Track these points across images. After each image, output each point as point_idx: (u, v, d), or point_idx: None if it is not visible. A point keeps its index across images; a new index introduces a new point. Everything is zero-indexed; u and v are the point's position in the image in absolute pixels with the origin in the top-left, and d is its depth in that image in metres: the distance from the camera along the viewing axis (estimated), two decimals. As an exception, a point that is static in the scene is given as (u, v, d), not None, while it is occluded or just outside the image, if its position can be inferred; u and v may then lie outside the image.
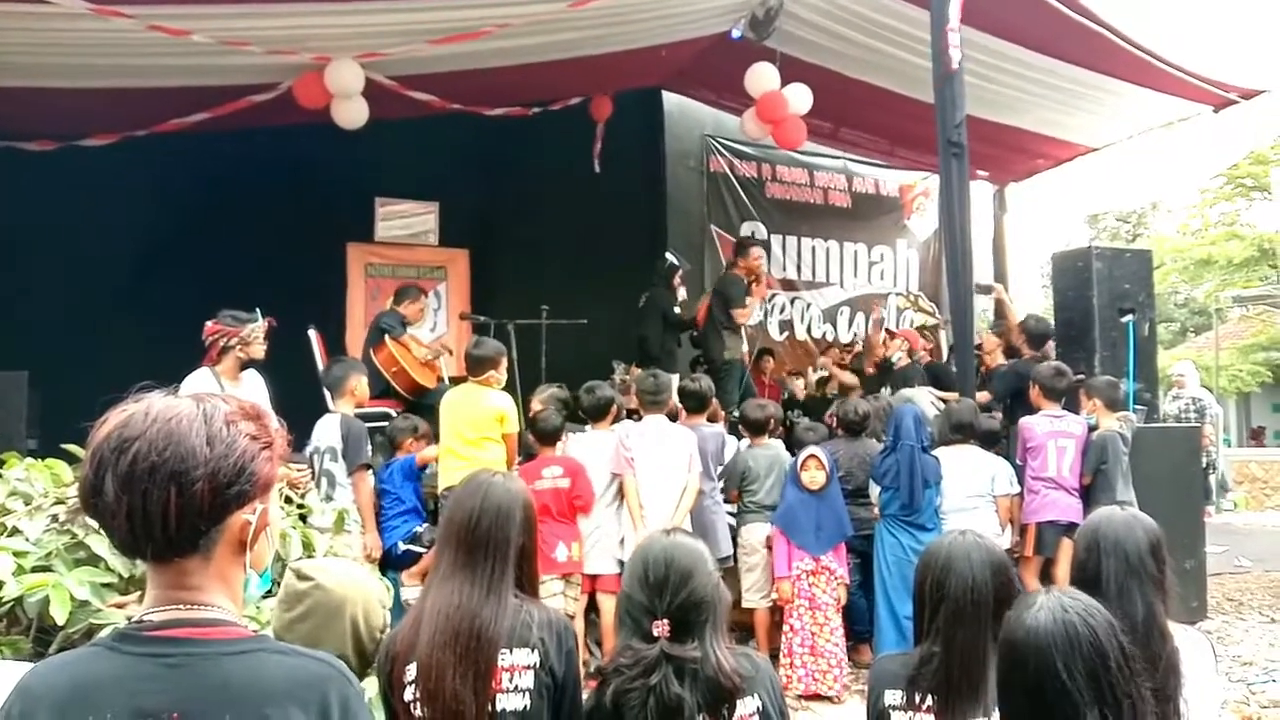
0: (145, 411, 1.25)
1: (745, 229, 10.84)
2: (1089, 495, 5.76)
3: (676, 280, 8.35)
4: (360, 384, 5.43)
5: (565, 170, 9.24)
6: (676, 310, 8.31)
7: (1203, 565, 6.68)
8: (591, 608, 5.44)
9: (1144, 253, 7.79)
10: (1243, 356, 22.33)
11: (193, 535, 1.24)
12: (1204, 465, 9.85)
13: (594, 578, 5.31)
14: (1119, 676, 1.62)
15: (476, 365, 5.43)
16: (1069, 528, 5.68)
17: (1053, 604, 1.69)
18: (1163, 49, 7.61)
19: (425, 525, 5.40)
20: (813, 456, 5.47)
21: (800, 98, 7.96)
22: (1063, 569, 5.65)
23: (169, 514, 1.21)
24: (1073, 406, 6.08)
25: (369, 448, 5.22)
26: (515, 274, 9.04)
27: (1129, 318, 6.68)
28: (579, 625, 5.16)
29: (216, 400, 1.31)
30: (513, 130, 8.64)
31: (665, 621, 2.09)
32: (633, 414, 6.10)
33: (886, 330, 9.51)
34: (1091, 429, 5.89)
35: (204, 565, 1.27)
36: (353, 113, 7.01)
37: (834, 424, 6.31)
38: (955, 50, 5.97)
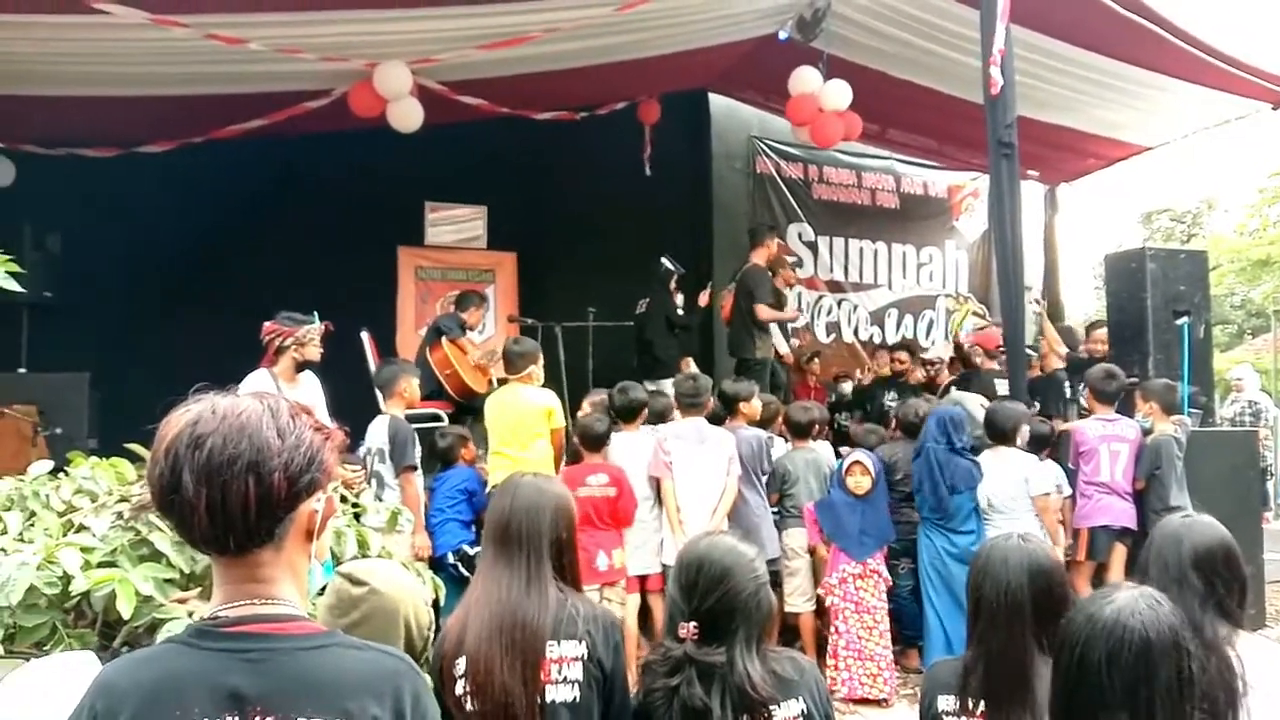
0: (213, 409, 1.30)
1: (792, 231, 10.82)
2: (1143, 500, 5.68)
3: (673, 285, 8.26)
4: (410, 385, 5.49)
5: (612, 173, 9.28)
6: (680, 313, 8.18)
7: (1261, 571, 6.54)
8: (647, 610, 5.45)
9: (1199, 253, 7.64)
10: (1303, 360, 21.78)
11: (270, 525, 1.29)
12: (1262, 469, 9.66)
13: (642, 579, 5.31)
14: (1164, 696, 1.59)
15: (515, 361, 5.51)
16: (1122, 532, 5.62)
17: (1127, 599, 1.66)
18: (1219, 43, 7.47)
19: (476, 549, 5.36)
20: (858, 462, 5.45)
21: (838, 94, 7.86)
22: (1115, 574, 5.58)
23: (249, 504, 1.25)
24: (1126, 410, 5.99)
25: (417, 449, 5.26)
26: (562, 277, 9.11)
27: (1184, 320, 6.55)
28: (632, 629, 5.17)
29: (276, 398, 1.36)
30: (560, 134, 8.70)
31: (692, 624, 2.10)
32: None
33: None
34: (1146, 432, 5.80)
35: (276, 556, 1.31)
36: (409, 115, 7.09)
37: (893, 426, 6.27)
38: (996, 70, 5.90)
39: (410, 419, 5.46)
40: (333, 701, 1.24)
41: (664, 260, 8.17)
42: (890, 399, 8.76)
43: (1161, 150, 10.12)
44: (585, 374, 7.35)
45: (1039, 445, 5.95)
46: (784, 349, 9.27)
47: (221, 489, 1.24)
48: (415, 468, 5.22)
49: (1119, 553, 5.60)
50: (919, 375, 9.01)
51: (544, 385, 5.65)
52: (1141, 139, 9.89)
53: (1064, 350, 7.67)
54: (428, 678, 2.19)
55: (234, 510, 1.25)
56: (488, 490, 5.39)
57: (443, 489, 5.52)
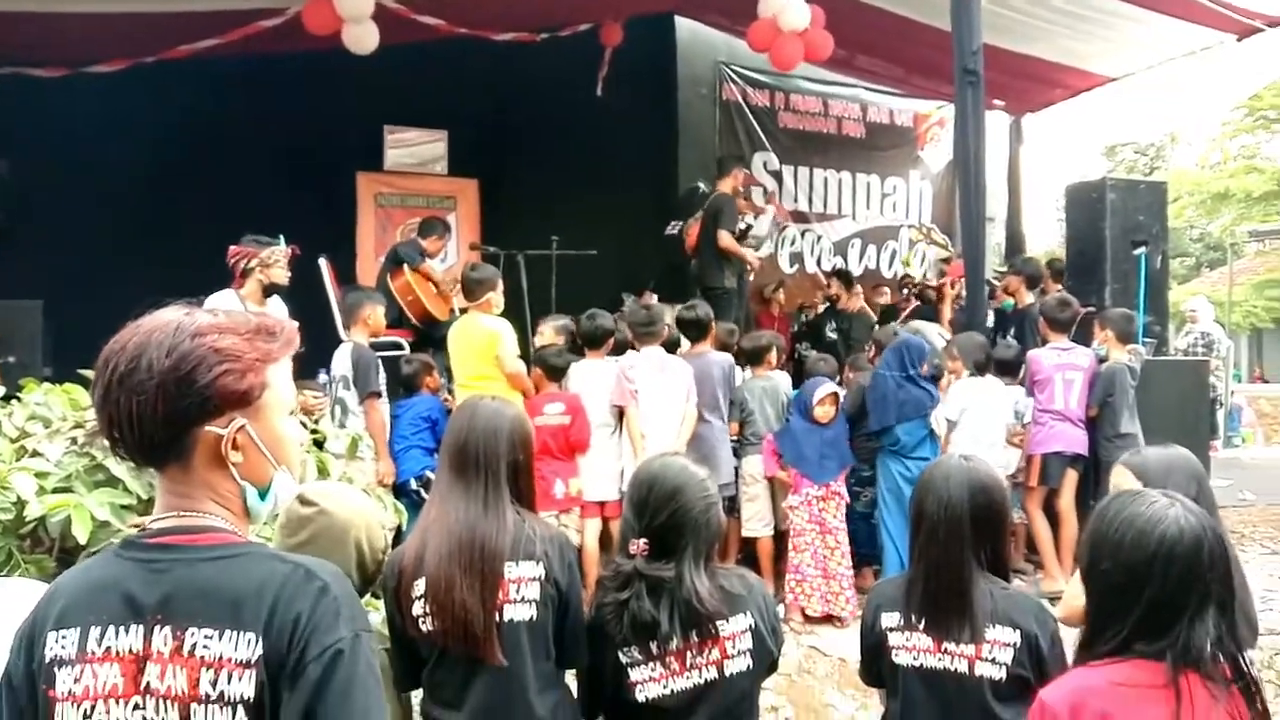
0: (137, 326, 1.32)
1: (757, 160, 10.75)
2: (1095, 427, 5.80)
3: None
4: (375, 313, 5.45)
5: (577, 99, 9.14)
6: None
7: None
8: (608, 537, 5.52)
9: (1159, 184, 7.71)
10: (1257, 292, 22.20)
11: (159, 443, 1.30)
12: (1211, 399, 9.89)
13: (602, 504, 5.37)
14: (1220, 586, 1.64)
15: (473, 289, 5.43)
16: (1074, 459, 5.75)
17: (1160, 500, 1.69)
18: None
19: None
20: (833, 394, 5.51)
21: (796, 14, 7.62)
22: (1066, 499, 5.73)
23: (134, 422, 1.27)
24: (1083, 338, 6.09)
25: (381, 376, 5.25)
26: (526, 205, 8.99)
27: (1141, 250, 6.64)
28: (593, 552, 5.25)
29: (204, 314, 1.35)
30: (523, 57, 8.53)
31: (643, 541, 2.15)
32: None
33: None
34: (1101, 360, 5.90)
35: (186, 474, 1.33)
36: (363, 38, 6.93)
37: (873, 353, 6.30)
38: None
39: (372, 346, 5.44)
40: (227, 611, 1.25)
41: (700, 185, 8.08)
42: (831, 329, 8.88)
43: (1126, 82, 10.12)
44: (549, 303, 7.33)
45: (1006, 370, 6.05)
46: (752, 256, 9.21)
47: (117, 405, 1.28)
48: (379, 394, 5.22)
49: (1070, 478, 5.74)
50: (856, 304, 9.12)
51: (505, 314, 5.59)
52: (1107, 69, 9.87)
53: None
54: (373, 609, 2.23)
55: (123, 426, 1.28)
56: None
57: (406, 416, 5.52)
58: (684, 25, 10.42)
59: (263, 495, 1.38)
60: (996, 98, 10.53)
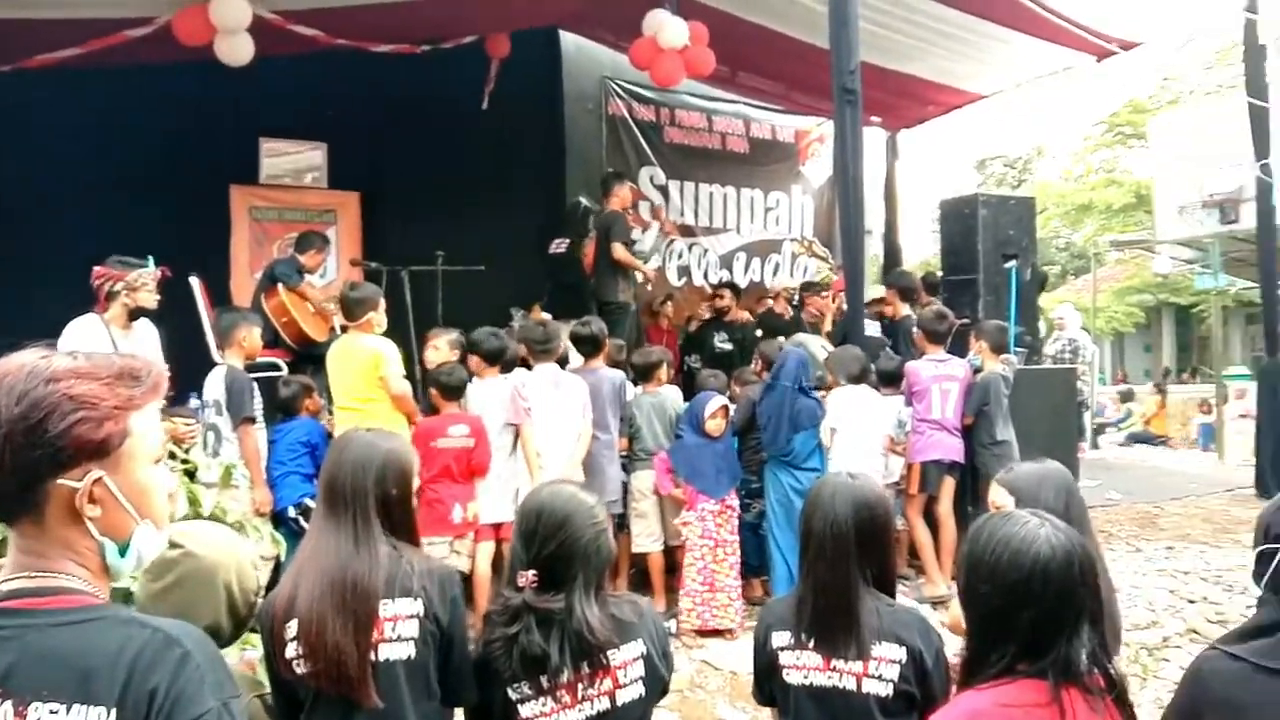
0: None
1: (644, 174, 10.81)
2: (971, 435, 5.99)
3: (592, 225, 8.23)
4: (251, 335, 5.23)
5: (461, 112, 9.02)
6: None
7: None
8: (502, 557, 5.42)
9: (1027, 200, 8.05)
10: (1118, 299, 23.39)
11: (8, 497, 1.21)
12: (1079, 403, 10.38)
13: (497, 526, 5.25)
14: (1091, 600, 1.68)
15: (353, 309, 5.22)
16: (952, 466, 5.93)
17: (1031, 520, 1.72)
18: (1050, -1, 7.79)
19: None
20: (724, 407, 5.54)
21: (674, 31, 7.71)
22: (944, 505, 5.91)
23: None
24: (959, 349, 6.29)
25: (256, 400, 5.05)
26: (410, 219, 8.80)
27: (1012, 263, 6.91)
28: (485, 576, 5.14)
29: (63, 358, 1.25)
30: (406, 69, 8.36)
31: (531, 573, 2.11)
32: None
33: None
34: (976, 370, 6.11)
35: (39, 530, 1.23)
36: (237, 49, 6.68)
37: (759, 366, 6.36)
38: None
39: (248, 369, 5.23)
40: (76, 682, 1.16)
41: (582, 200, 8.04)
42: (721, 340, 8.99)
43: (996, 99, 10.57)
44: (434, 320, 7.18)
45: (888, 381, 6.20)
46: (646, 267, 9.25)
47: None
48: (253, 419, 5.00)
49: (948, 485, 5.93)
50: (744, 315, 9.25)
51: (389, 332, 5.43)
52: (979, 87, 10.29)
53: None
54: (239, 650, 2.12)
55: None
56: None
57: (284, 441, 5.32)
58: (569, 40, 10.42)
59: (123, 551, 1.28)
60: (874, 114, 10.84)
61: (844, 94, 6.20)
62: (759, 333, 8.75)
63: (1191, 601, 5.93)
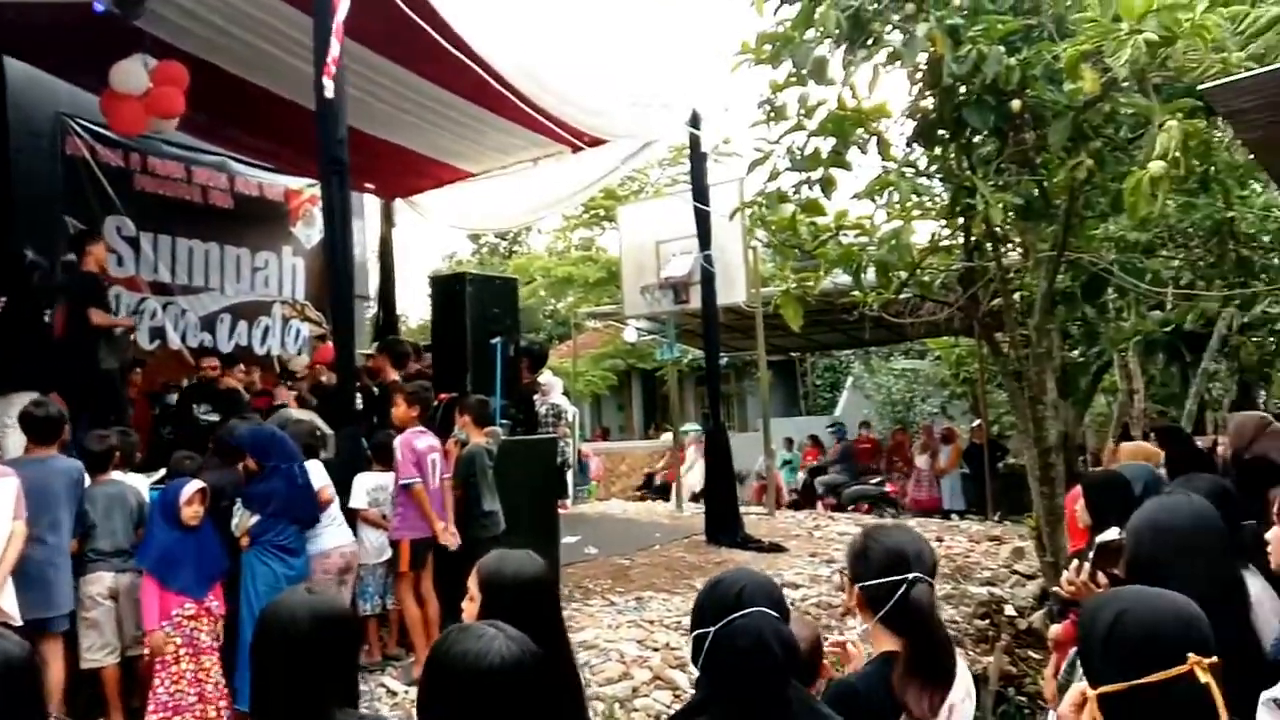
0: None
1: (110, 224, 9.69)
2: (462, 507, 6.09)
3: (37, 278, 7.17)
4: None
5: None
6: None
7: (557, 560, 7.44)
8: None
9: (510, 280, 8.52)
10: (595, 364, 25.68)
11: None
12: (560, 464, 11.07)
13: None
14: None
15: None
16: (434, 539, 5.98)
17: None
18: (537, 92, 8.30)
19: None
20: (200, 491, 5.03)
21: (128, 75, 7.17)
22: (427, 582, 5.93)
23: None
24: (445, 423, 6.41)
25: None
26: None
27: (497, 340, 7.21)
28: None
29: None
30: None
31: None
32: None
33: None
34: (462, 444, 6.24)
35: None
36: None
37: (212, 446, 5.87)
38: (330, 81, 5.86)
39: None
40: None
41: (28, 253, 6.84)
42: (204, 411, 8.33)
43: (486, 178, 11.02)
44: None
45: (384, 457, 6.13)
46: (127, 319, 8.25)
47: None
48: None
49: (431, 560, 5.96)
50: (232, 382, 8.74)
51: None
52: (469, 165, 10.68)
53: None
54: None
55: None
56: None
57: None
58: (17, 67, 9.03)
59: None
60: (367, 181, 10.84)
61: (332, 164, 6.08)
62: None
63: (656, 649, 6.43)
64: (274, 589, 5.05)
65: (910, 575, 2.34)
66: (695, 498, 12.78)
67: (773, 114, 6.28)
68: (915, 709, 2.24)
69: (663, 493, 15.73)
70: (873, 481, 15.08)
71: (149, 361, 9.61)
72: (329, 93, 5.88)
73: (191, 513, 4.96)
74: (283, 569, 5.16)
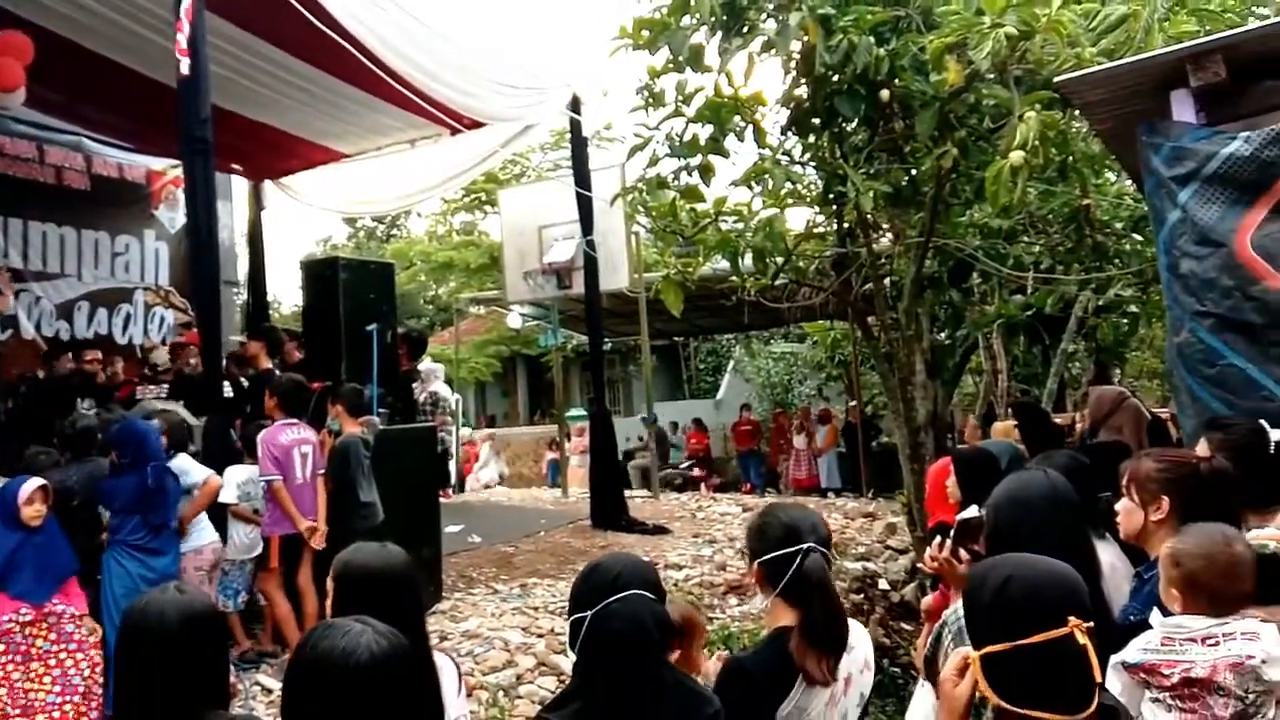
0: None
1: (-48, 204, 9.09)
2: (335, 498, 5.94)
3: None
4: None
5: None
6: None
7: (439, 549, 7.34)
8: None
9: (386, 265, 8.30)
10: (479, 350, 25.35)
11: None
12: (442, 452, 10.93)
13: None
14: None
15: None
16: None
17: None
18: (403, 70, 8.06)
19: None
20: (41, 488, 4.75)
21: None
22: (304, 575, 5.77)
23: None
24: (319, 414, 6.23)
25: None
26: None
27: (373, 327, 7.03)
28: None
29: None
30: None
31: None
32: None
33: None
34: (335, 434, 6.08)
35: None
36: None
37: (57, 441, 5.59)
38: (185, 58, 5.62)
39: None
40: None
41: None
42: (86, 406, 7.91)
43: (361, 160, 10.72)
44: None
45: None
46: None
47: None
48: None
49: (308, 554, 5.79)
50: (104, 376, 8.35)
51: None
52: (342, 146, 10.36)
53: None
54: None
55: None
56: None
57: None
58: None
59: None
60: (235, 162, 10.43)
61: (194, 143, 5.83)
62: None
63: (540, 635, 6.42)
64: (131, 591, 4.85)
65: (805, 545, 2.40)
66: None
67: (651, 100, 6.31)
68: (815, 674, 2.31)
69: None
70: (682, 466, 17.05)
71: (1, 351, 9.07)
72: (184, 69, 5.63)
73: (32, 512, 4.68)
74: (140, 570, 4.98)
